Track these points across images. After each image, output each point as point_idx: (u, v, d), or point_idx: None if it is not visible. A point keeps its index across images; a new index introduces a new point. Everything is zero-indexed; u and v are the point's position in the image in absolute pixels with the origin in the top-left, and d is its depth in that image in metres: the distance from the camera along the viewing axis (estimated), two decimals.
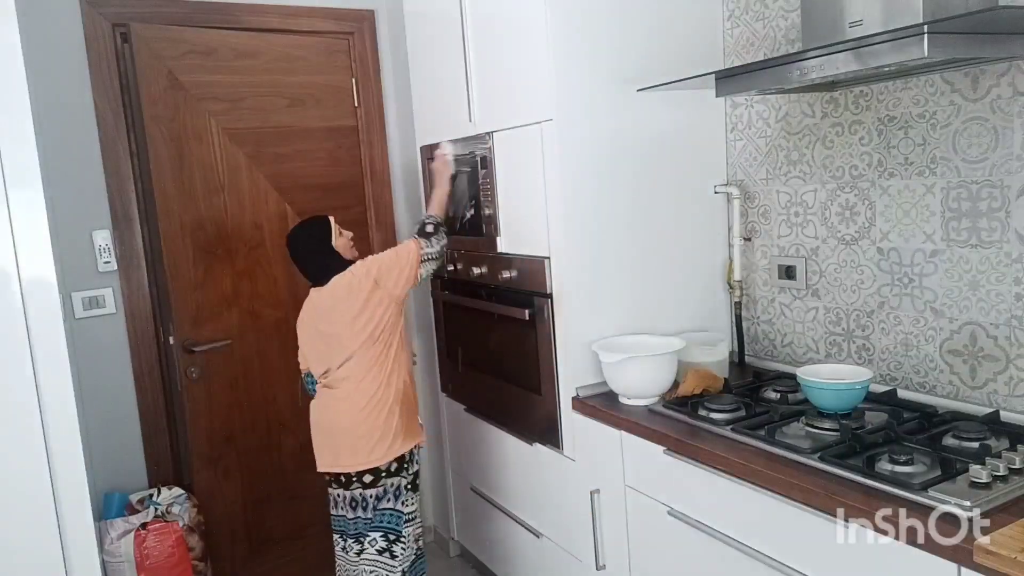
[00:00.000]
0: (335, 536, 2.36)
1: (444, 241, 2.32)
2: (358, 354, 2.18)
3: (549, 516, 2.40)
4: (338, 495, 2.29)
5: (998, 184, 1.69)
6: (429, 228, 2.28)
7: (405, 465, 2.25)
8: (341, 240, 2.28)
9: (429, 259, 2.26)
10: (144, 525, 2.48)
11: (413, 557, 2.29)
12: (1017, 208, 1.66)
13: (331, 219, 2.30)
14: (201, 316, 2.76)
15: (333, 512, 2.33)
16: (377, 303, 2.17)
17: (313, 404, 2.33)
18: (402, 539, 2.25)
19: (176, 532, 2.52)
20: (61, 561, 1.81)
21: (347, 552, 2.32)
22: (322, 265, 2.24)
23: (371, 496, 2.23)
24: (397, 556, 2.24)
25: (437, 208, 2.41)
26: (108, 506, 2.57)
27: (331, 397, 2.25)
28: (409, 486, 2.26)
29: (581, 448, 2.19)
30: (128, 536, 2.46)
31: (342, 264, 2.24)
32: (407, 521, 2.26)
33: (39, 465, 1.77)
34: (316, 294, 2.26)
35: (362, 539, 2.26)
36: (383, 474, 2.21)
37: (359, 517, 2.27)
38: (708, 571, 1.77)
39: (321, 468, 2.28)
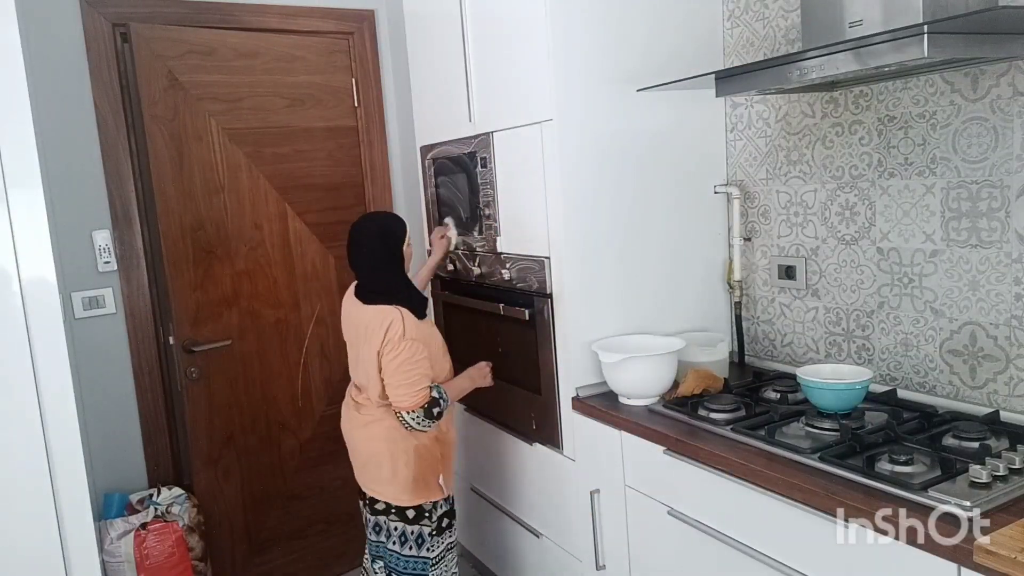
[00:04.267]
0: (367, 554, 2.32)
1: (426, 429, 2.07)
2: (374, 396, 2.10)
3: (549, 516, 2.40)
4: (363, 513, 2.25)
5: (998, 184, 1.69)
6: (436, 411, 2.05)
7: (427, 514, 2.14)
8: (409, 251, 2.16)
9: (402, 421, 2.04)
10: (144, 525, 2.49)
11: None
12: (1017, 208, 1.66)
13: (406, 224, 2.18)
14: (201, 316, 2.76)
15: (368, 532, 2.28)
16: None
17: (343, 406, 2.28)
18: None
19: (176, 532, 2.52)
20: (61, 561, 1.81)
21: (366, 569, 2.29)
22: (379, 277, 2.11)
23: (384, 525, 2.16)
24: None
25: (453, 393, 2.17)
26: (108, 506, 2.57)
27: (353, 417, 2.20)
28: (433, 532, 2.16)
29: (581, 448, 2.19)
30: (128, 536, 2.46)
31: (398, 289, 2.10)
32: (435, 564, 2.18)
33: (39, 465, 1.77)
34: (355, 306, 2.15)
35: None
36: (393, 512, 2.13)
37: (378, 542, 2.21)
38: (708, 571, 1.77)
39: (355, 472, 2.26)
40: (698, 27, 2.28)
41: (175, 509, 2.61)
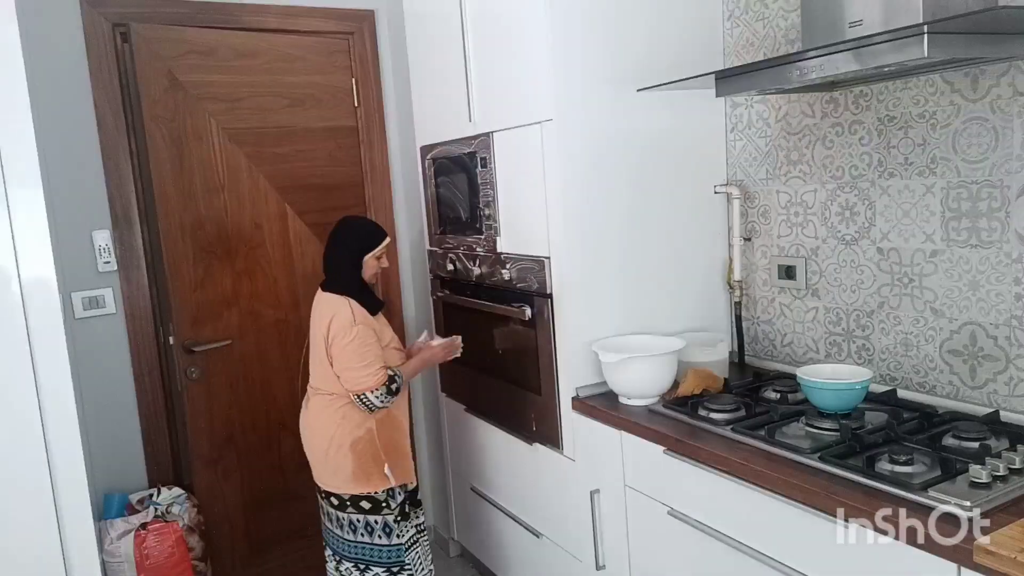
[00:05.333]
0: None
1: (388, 405, 2.17)
2: (317, 382, 2.19)
3: (549, 516, 2.40)
4: (319, 503, 2.30)
5: (998, 184, 1.69)
6: (394, 387, 2.14)
7: (383, 504, 2.18)
8: (373, 263, 2.20)
9: (364, 403, 2.12)
10: (144, 525, 2.48)
11: (427, 572, 2.29)
12: (1017, 208, 1.66)
13: (384, 241, 2.22)
14: (201, 316, 2.76)
15: (323, 521, 2.33)
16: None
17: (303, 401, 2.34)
18: (407, 567, 2.23)
19: (176, 532, 2.52)
20: (61, 561, 1.81)
21: (328, 562, 2.33)
22: (334, 272, 2.20)
23: (345, 520, 2.20)
24: None
25: (412, 372, 2.28)
26: (108, 506, 2.57)
27: (306, 407, 2.27)
28: (397, 519, 2.21)
29: (581, 448, 2.19)
30: (128, 536, 2.46)
31: (349, 286, 2.16)
32: (408, 549, 2.23)
33: (39, 465, 1.78)
34: (317, 294, 2.24)
35: (362, 568, 2.23)
36: (349, 506, 2.18)
37: (332, 531, 2.26)
38: (708, 571, 1.77)
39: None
40: (698, 27, 2.28)
41: (175, 509, 2.61)
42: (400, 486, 2.22)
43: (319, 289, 2.24)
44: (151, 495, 2.65)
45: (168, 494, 2.65)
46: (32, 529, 1.78)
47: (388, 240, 2.25)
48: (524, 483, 2.52)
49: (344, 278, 2.18)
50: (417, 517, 2.31)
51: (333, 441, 2.16)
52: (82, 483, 1.84)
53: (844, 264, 2.07)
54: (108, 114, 2.64)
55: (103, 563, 2.28)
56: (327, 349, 2.12)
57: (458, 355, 2.40)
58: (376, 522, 2.19)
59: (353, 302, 2.13)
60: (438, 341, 2.38)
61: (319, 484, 2.24)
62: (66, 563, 1.82)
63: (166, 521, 2.53)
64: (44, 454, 1.78)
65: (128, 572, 2.45)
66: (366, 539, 2.20)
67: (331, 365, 2.12)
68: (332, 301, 2.14)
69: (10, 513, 1.76)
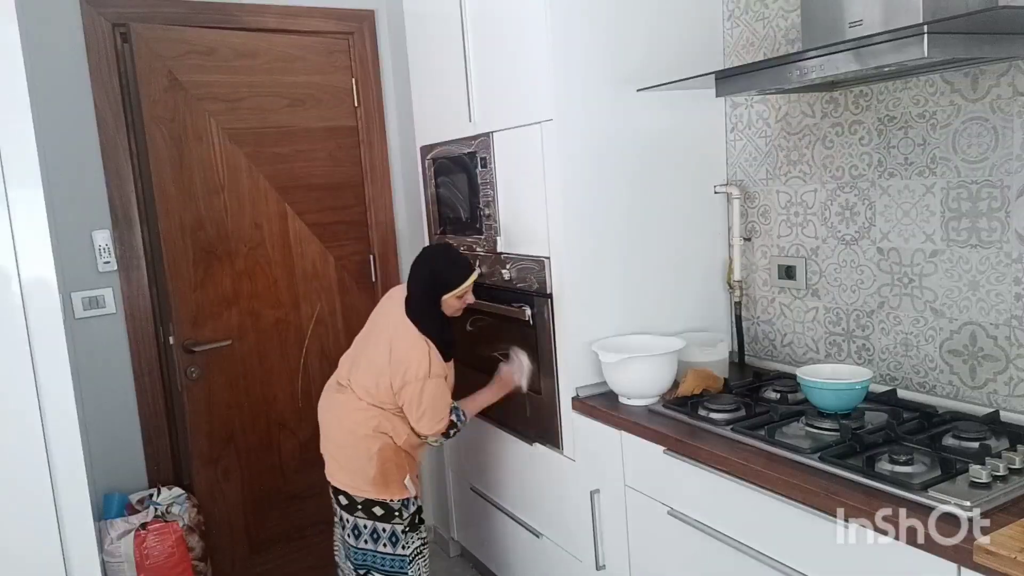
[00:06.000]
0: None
1: (452, 438, 2.25)
2: (365, 383, 2.16)
3: (549, 516, 2.40)
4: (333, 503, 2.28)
5: (998, 184, 1.69)
6: (452, 432, 2.20)
7: (396, 513, 2.18)
8: (455, 302, 2.18)
9: (425, 439, 2.20)
10: (144, 525, 2.48)
11: None
12: (1017, 208, 1.66)
13: (470, 278, 2.17)
14: (201, 316, 2.76)
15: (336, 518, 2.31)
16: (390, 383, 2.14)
17: (324, 390, 2.32)
18: None
19: (176, 532, 2.52)
20: (61, 561, 1.81)
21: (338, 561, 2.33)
22: (415, 302, 2.17)
23: (349, 523, 2.18)
24: None
25: (474, 410, 2.30)
26: (108, 506, 2.57)
27: (332, 399, 2.25)
28: (406, 529, 2.19)
29: (581, 448, 2.19)
30: (128, 536, 2.46)
31: (429, 322, 2.14)
32: (411, 561, 2.22)
33: (39, 465, 1.77)
34: (397, 304, 2.19)
35: (362, 574, 2.21)
36: (359, 508, 2.17)
37: (344, 539, 2.24)
38: (708, 571, 1.77)
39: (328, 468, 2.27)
40: (698, 27, 2.28)
41: (175, 509, 2.61)
42: (414, 498, 2.21)
43: (405, 302, 2.17)
44: (151, 495, 2.65)
45: (168, 494, 2.65)
46: (32, 529, 1.78)
47: (474, 278, 2.19)
48: (524, 483, 2.52)
49: (423, 311, 2.16)
50: (423, 531, 2.28)
51: (359, 447, 2.14)
52: (82, 483, 1.83)
53: (844, 264, 2.07)
54: (108, 114, 2.64)
55: (103, 563, 2.28)
56: (396, 385, 2.10)
57: (522, 385, 2.33)
58: (384, 530, 2.17)
59: (432, 349, 2.11)
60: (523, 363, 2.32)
61: (331, 481, 2.21)
62: (66, 563, 1.82)
63: (166, 521, 2.53)
64: (44, 454, 1.78)
65: (128, 572, 2.45)
66: (370, 546, 2.18)
67: (389, 384, 2.11)
68: (412, 338, 2.11)
69: (10, 513, 1.76)
